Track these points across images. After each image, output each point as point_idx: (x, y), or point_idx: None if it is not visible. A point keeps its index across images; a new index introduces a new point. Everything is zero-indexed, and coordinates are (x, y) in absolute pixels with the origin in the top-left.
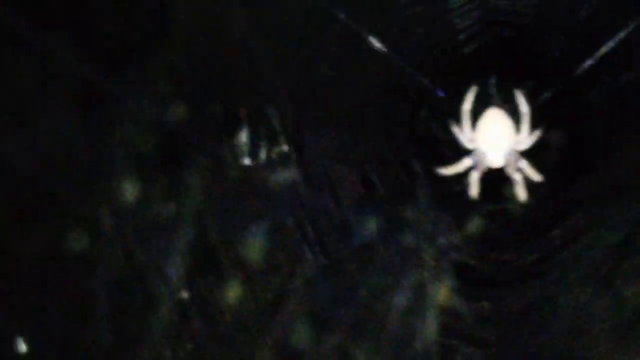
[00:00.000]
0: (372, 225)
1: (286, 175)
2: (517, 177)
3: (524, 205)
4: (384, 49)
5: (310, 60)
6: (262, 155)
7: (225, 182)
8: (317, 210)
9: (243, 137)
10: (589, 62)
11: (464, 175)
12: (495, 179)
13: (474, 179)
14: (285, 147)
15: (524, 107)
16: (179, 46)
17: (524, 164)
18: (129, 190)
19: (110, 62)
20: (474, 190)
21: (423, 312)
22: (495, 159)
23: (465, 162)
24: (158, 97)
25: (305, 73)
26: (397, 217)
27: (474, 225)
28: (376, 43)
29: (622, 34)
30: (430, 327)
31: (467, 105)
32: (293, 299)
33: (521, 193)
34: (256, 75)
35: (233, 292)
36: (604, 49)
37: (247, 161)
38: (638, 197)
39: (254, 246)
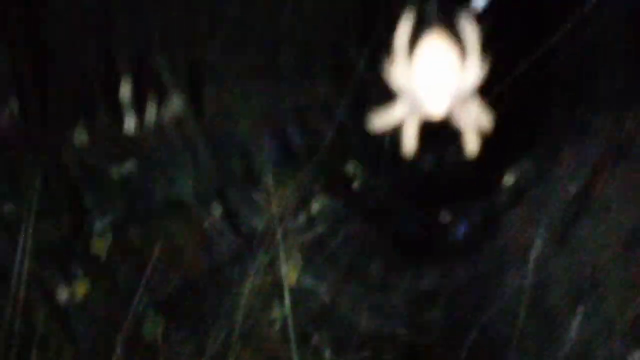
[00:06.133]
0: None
1: (181, 140)
2: (465, 123)
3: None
4: None
5: None
6: (150, 117)
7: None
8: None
9: (124, 96)
10: None
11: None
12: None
13: (409, 130)
14: (178, 106)
15: (470, 32)
16: None
17: (474, 105)
18: None
19: None
20: (409, 144)
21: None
22: (436, 103)
23: (400, 110)
24: None
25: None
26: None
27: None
28: None
29: None
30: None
31: (404, 35)
32: (144, 291)
33: (471, 144)
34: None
35: (82, 289)
36: None
37: (130, 126)
38: (599, 139)
39: (102, 240)
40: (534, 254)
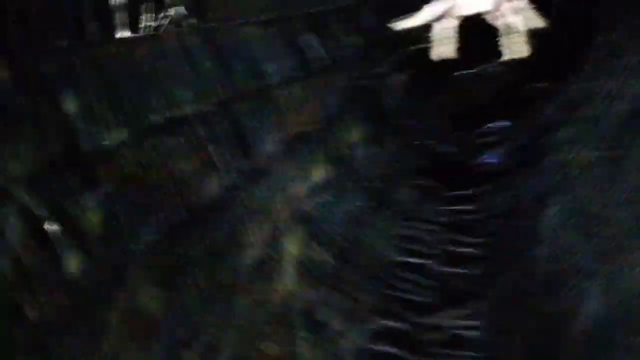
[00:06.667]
0: None
1: (180, 50)
2: (514, 21)
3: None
4: None
5: None
6: (148, 21)
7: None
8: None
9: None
10: None
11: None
12: (475, 29)
13: (445, 31)
14: (177, 10)
15: None
16: None
17: (522, 3)
18: None
19: None
20: (448, 47)
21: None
22: (477, 1)
23: (433, 10)
24: None
25: None
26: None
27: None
28: None
29: None
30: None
31: None
32: (138, 263)
33: (521, 45)
34: None
35: (74, 263)
36: None
37: (125, 32)
38: None
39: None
40: (587, 178)
